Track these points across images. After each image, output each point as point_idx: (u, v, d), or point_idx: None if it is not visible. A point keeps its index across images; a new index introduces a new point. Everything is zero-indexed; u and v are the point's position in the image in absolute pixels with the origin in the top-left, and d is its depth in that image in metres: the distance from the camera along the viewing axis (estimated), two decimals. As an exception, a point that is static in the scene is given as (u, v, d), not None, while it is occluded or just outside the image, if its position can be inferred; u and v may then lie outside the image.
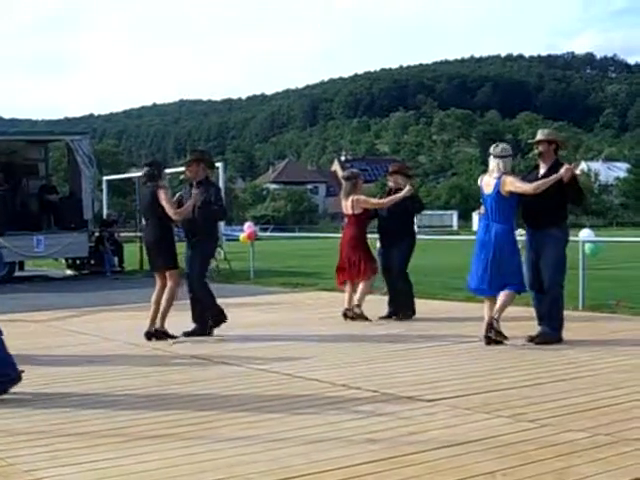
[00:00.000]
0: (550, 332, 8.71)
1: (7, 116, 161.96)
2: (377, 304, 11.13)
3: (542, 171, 8.74)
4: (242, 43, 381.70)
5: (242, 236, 20.24)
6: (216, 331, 9.66)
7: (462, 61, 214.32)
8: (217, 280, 18.38)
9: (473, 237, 9.58)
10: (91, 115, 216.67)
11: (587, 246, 12.59)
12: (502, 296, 8.58)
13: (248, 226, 20.64)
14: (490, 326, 8.48)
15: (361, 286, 10.80)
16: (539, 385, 6.66)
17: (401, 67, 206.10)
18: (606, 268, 18.82)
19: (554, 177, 8.41)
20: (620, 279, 17.71)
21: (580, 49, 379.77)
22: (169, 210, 9.31)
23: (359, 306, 10.71)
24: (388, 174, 11.43)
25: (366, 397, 6.38)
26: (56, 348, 9.28)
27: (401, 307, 10.84)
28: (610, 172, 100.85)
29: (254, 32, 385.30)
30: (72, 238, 20.22)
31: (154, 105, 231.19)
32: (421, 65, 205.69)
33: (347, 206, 10.86)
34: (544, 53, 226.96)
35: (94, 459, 4.80)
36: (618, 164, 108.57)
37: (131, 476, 4.52)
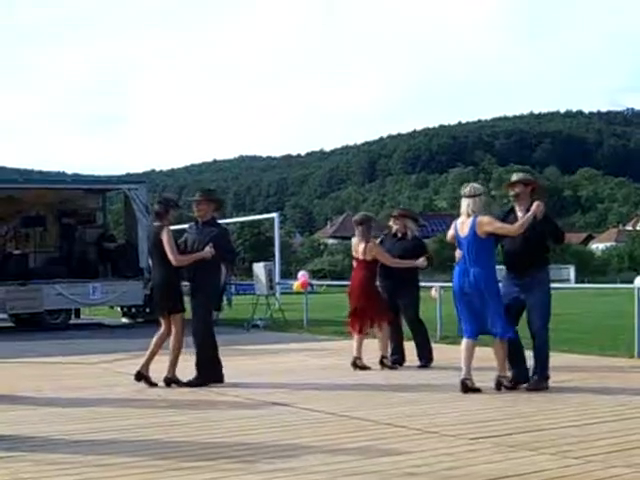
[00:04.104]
0: (539, 379, 8.40)
1: (70, 171, 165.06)
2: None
3: (519, 214, 8.42)
4: (301, 99, 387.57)
5: (296, 284, 20.33)
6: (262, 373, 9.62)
7: (521, 117, 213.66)
8: (272, 329, 18.49)
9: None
10: (152, 171, 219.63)
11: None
12: (497, 351, 8.30)
13: (302, 275, 20.74)
14: (500, 384, 8.28)
15: (380, 336, 10.39)
16: (587, 425, 6.50)
17: (459, 123, 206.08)
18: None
19: (529, 215, 8.16)
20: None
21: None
22: (170, 254, 8.91)
23: (387, 357, 10.38)
24: (393, 217, 10.93)
25: (409, 435, 6.29)
26: (91, 389, 9.30)
27: (422, 353, 10.61)
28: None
29: (313, 88, 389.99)
30: (127, 286, 20.37)
31: (214, 161, 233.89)
32: (480, 121, 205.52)
33: (359, 250, 10.34)
34: (604, 109, 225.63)
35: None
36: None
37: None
